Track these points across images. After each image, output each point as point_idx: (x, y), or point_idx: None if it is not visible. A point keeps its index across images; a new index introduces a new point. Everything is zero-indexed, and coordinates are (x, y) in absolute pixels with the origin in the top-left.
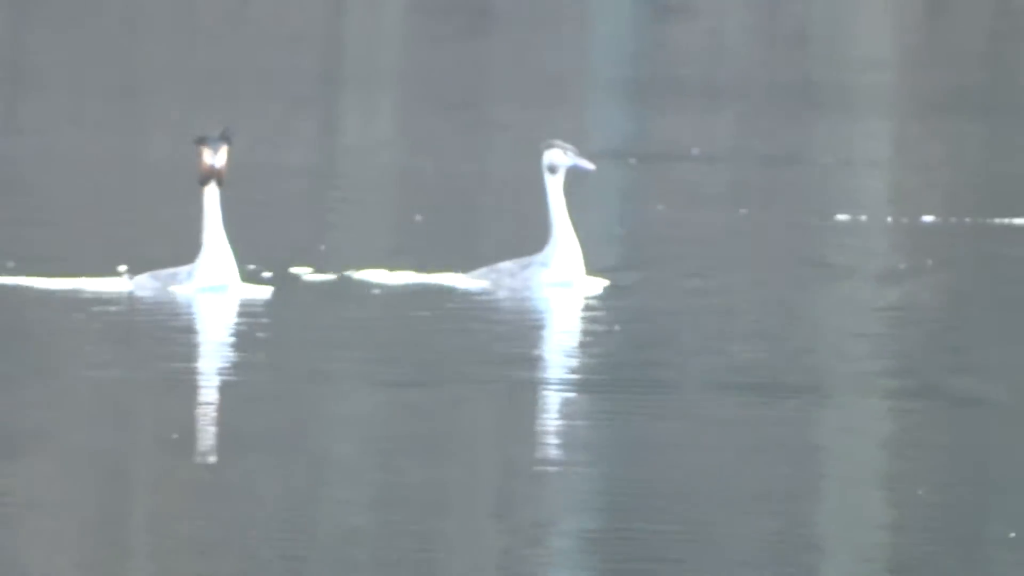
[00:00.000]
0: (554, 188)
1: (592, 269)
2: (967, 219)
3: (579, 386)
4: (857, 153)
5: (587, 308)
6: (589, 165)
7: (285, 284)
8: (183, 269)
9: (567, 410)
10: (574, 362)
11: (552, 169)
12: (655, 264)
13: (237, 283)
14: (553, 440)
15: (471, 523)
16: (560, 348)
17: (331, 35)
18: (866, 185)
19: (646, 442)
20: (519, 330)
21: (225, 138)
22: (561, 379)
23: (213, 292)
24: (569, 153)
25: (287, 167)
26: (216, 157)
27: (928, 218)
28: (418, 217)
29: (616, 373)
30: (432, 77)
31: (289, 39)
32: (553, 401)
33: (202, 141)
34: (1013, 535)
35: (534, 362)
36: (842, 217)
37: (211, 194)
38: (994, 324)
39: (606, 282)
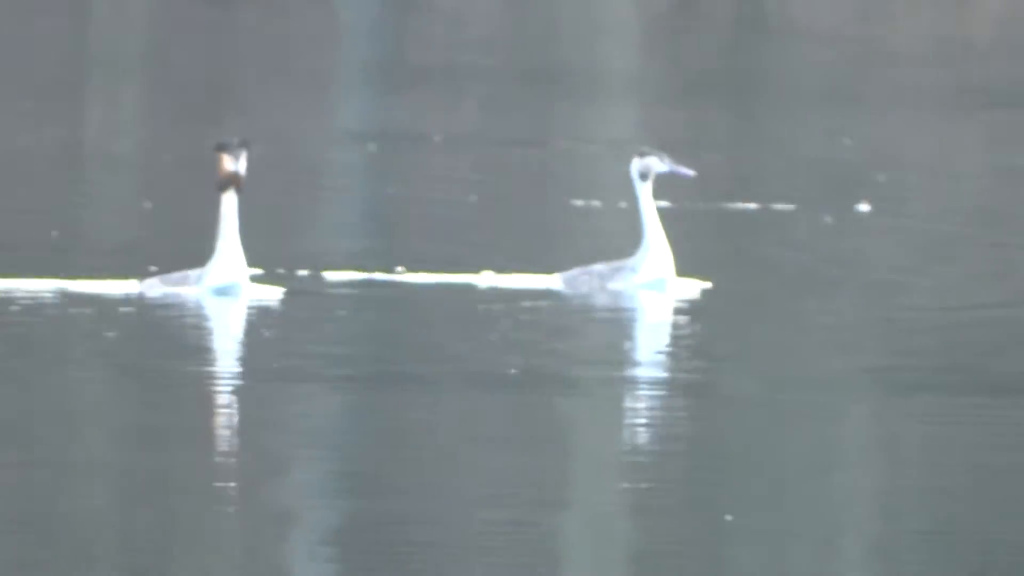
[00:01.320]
0: (645, 194)
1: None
2: (701, 204)
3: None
4: (600, 138)
5: (673, 311)
6: (688, 171)
7: (293, 284)
8: (193, 272)
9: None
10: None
11: (644, 175)
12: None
13: (248, 284)
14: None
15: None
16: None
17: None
18: (608, 170)
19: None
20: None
21: (245, 144)
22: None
23: (225, 293)
24: (665, 160)
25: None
26: (237, 164)
27: (663, 203)
28: (147, 204)
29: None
30: (177, 62)
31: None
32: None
33: (223, 148)
34: (729, 518)
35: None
36: (577, 202)
37: (230, 200)
38: (739, 312)
39: (701, 285)
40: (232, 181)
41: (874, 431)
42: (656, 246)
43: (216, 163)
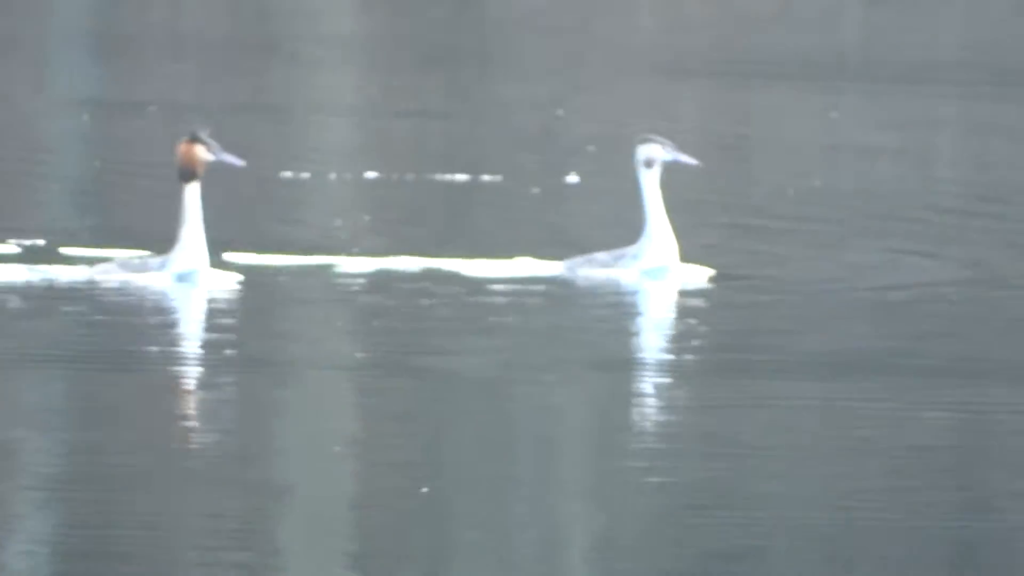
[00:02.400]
0: (649, 182)
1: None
2: (412, 175)
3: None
4: (320, 106)
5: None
6: (691, 160)
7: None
8: (154, 260)
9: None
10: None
11: (648, 163)
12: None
13: (208, 270)
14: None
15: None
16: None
17: None
18: (324, 139)
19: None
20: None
21: (212, 135)
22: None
23: (187, 280)
24: (668, 148)
25: None
26: (210, 153)
27: (371, 174)
28: None
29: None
30: None
31: None
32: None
33: (196, 138)
34: (425, 489)
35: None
36: (287, 174)
37: (193, 190)
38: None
39: (706, 272)
40: (200, 171)
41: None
42: (659, 233)
43: (186, 153)
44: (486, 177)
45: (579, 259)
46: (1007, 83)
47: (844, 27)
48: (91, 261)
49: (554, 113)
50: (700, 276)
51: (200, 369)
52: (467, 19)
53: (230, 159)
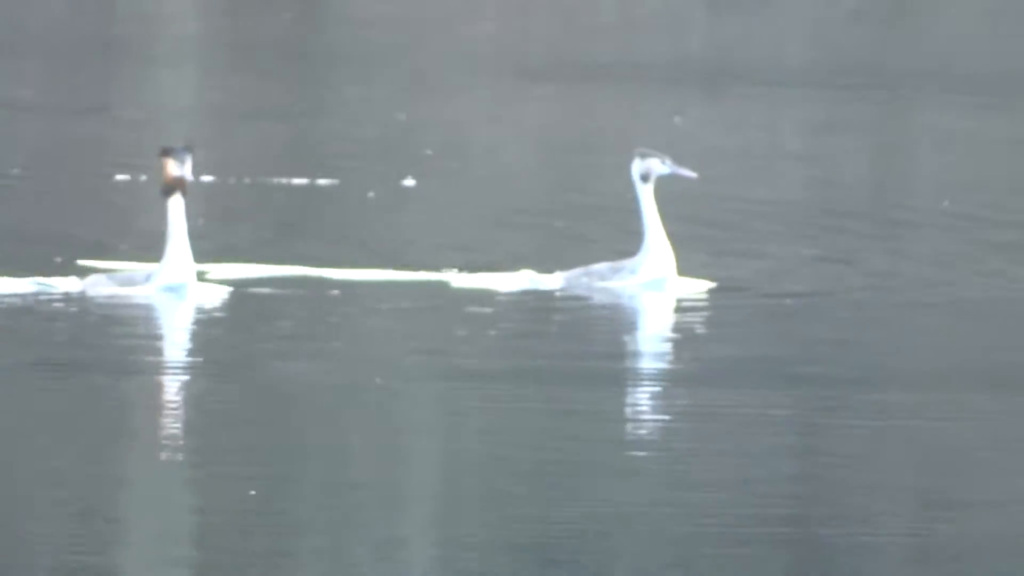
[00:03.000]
0: (646, 196)
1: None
2: (248, 179)
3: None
4: (158, 107)
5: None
6: (690, 173)
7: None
8: (139, 273)
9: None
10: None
11: (645, 177)
12: None
13: (196, 284)
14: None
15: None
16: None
17: None
18: (163, 141)
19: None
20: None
21: (189, 149)
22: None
23: (174, 292)
24: (667, 162)
25: None
26: (183, 168)
27: (208, 177)
28: None
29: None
30: None
31: None
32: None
33: (168, 152)
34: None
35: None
36: (121, 177)
37: (176, 204)
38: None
39: (703, 285)
40: (178, 185)
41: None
42: (657, 247)
43: (161, 168)
44: (323, 181)
45: (578, 271)
46: (848, 87)
47: (689, 33)
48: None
49: (395, 117)
50: (698, 288)
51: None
52: (313, 22)
53: (685, 172)
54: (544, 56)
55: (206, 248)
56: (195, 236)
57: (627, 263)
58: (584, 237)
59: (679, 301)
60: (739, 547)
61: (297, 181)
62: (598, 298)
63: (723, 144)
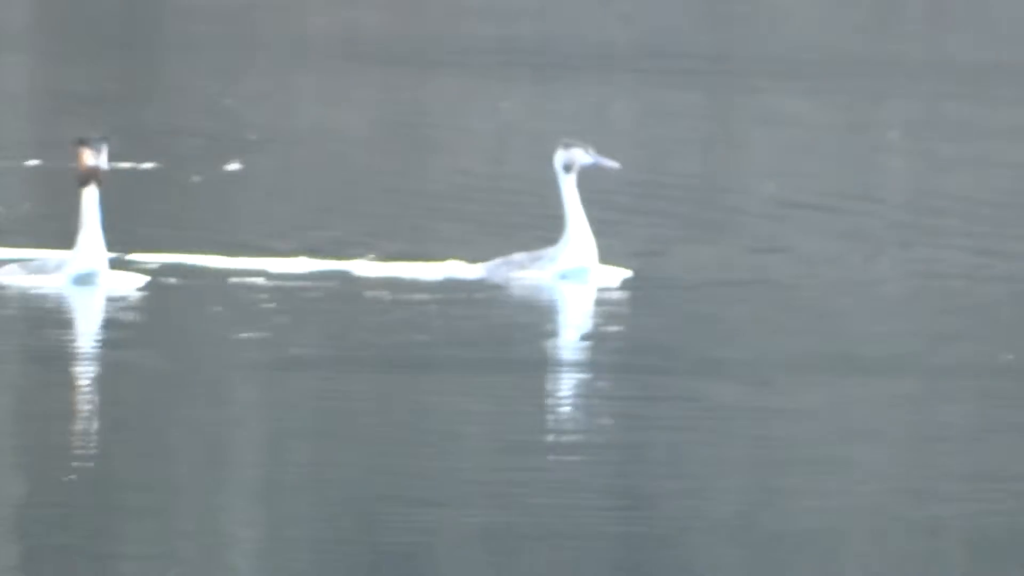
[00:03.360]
0: (568, 186)
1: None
2: (73, 163)
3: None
4: None
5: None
6: (614, 164)
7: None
8: (51, 261)
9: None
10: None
11: (568, 168)
12: None
13: (108, 272)
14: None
15: None
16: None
17: None
18: None
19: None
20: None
21: (105, 139)
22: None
23: (86, 281)
24: (590, 151)
25: None
26: (99, 158)
27: (34, 162)
28: None
29: None
30: None
31: None
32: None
33: (84, 142)
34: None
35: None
36: None
37: (91, 194)
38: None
39: (623, 275)
40: (93, 175)
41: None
42: (578, 237)
43: (77, 158)
44: (148, 165)
45: (498, 261)
46: (676, 71)
47: (519, 18)
48: None
49: (222, 102)
50: (619, 278)
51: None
52: (143, 6)
53: (607, 162)
54: (373, 43)
55: (29, 232)
56: (21, 221)
57: (547, 252)
58: (412, 223)
59: (598, 290)
60: (566, 537)
61: (122, 165)
62: (512, 288)
63: (550, 128)
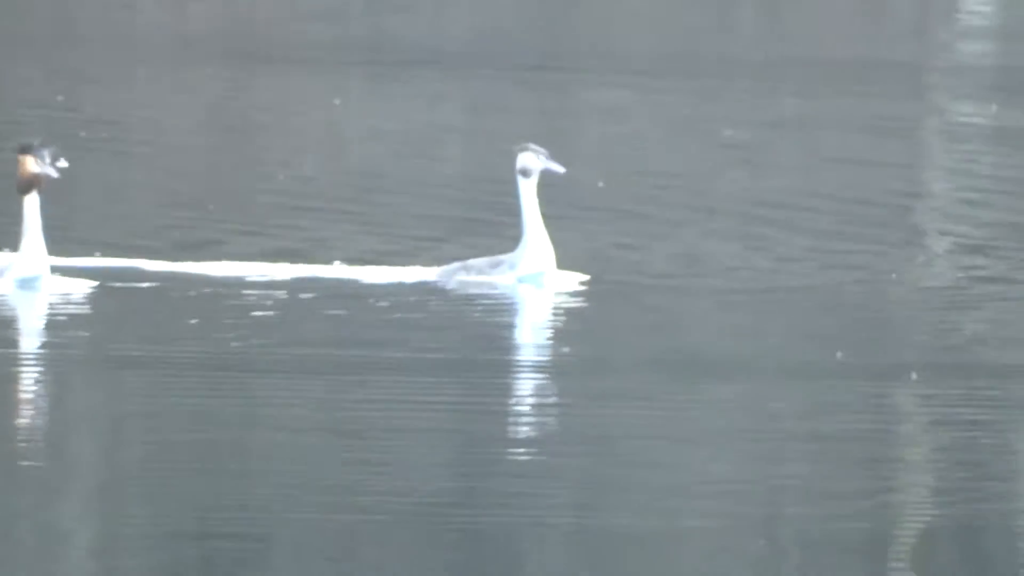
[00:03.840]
0: (527, 191)
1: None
2: None
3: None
4: None
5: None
6: (560, 168)
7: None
8: None
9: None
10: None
11: (525, 172)
12: None
13: (50, 277)
14: None
15: None
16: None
17: None
18: None
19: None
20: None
21: (46, 145)
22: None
23: (29, 285)
24: (542, 157)
25: None
26: (41, 165)
27: None
28: None
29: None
30: None
31: None
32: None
33: (26, 150)
34: None
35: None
36: None
37: (32, 201)
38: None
39: (579, 280)
40: (35, 182)
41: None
42: (536, 242)
43: (18, 165)
44: None
45: (455, 266)
46: (509, 68)
47: (349, 17)
48: None
49: (54, 98)
50: (576, 282)
51: None
52: None
53: (555, 166)
54: (207, 41)
55: None
56: None
57: (506, 258)
58: (243, 220)
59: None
60: (405, 530)
61: None
62: (469, 292)
63: (383, 125)
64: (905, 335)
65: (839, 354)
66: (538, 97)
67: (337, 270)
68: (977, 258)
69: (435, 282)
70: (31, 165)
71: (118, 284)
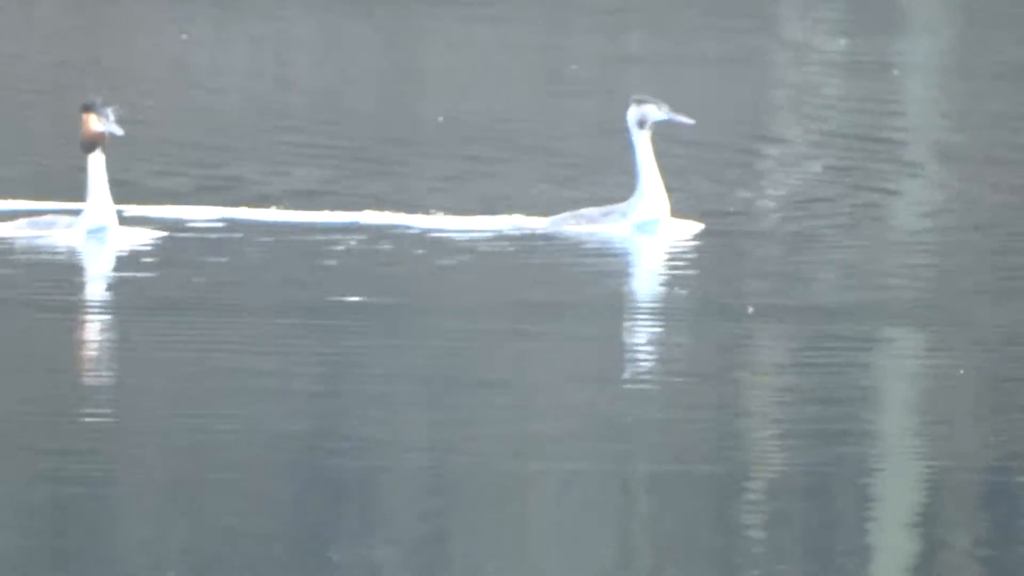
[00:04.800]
0: (642, 142)
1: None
2: None
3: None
4: None
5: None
6: (687, 119)
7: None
8: (62, 217)
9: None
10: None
11: (642, 124)
12: None
13: (117, 228)
14: None
15: None
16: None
17: None
18: None
19: None
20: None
21: (109, 104)
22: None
23: (97, 235)
24: (663, 108)
25: None
26: (104, 123)
27: None
28: None
29: None
30: None
31: None
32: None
33: (89, 108)
34: None
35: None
36: None
37: (97, 160)
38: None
39: (695, 228)
40: (98, 140)
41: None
42: (651, 190)
43: (82, 123)
44: None
45: (566, 215)
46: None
47: None
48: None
49: None
50: (691, 231)
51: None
52: None
53: (681, 118)
54: None
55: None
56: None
57: (619, 206)
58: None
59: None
60: (244, 469)
61: None
62: (582, 241)
63: (232, 61)
64: (742, 278)
65: (750, 310)
66: (386, 27)
67: (438, 220)
68: (820, 205)
69: (545, 231)
70: (94, 123)
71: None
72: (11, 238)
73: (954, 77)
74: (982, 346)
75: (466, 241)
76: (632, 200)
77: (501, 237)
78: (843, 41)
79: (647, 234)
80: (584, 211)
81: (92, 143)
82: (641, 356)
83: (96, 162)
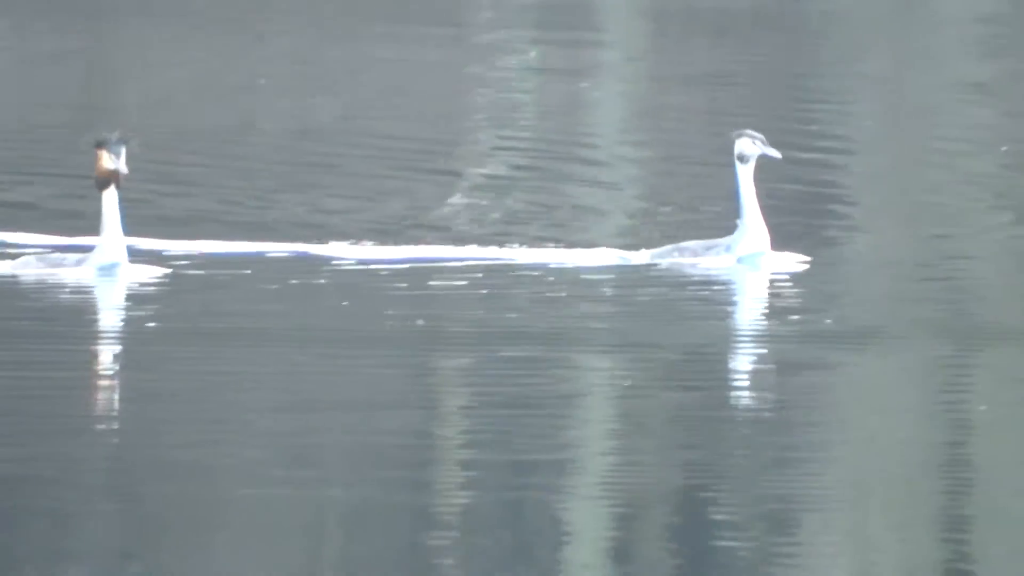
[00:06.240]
0: (744, 176)
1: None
2: None
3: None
4: None
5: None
6: (776, 154)
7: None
8: (70, 255)
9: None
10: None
11: (742, 158)
12: None
13: (128, 265)
14: None
15: None
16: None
17: None
18: None
19: None
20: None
21: (123, 141)
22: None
23: (108, 272)
24: (758, 142)
25: None
26: (117, 161)
27: None
28: None
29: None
30: None
31: None
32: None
33: (102, 144)
34: None
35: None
36: None
37: (110, 197)
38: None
39: (796, 263)
40: (112, 178)
41: None
42: (754, 224)
43: (95, 160)
44: None
45: (668, 248)
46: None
47: None
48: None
49: None
50: (792, 264)
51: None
52: None
53: (772, 152)
54: None
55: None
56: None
57: (721, 241)
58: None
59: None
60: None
61: None
62: (687, 274)
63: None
64: None
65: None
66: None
67: (533, 254)
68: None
69: (648, 264)
70: (106, 161)
71: (199, 271)
72: (20, 275)
73: None
74: None
75: (569, 271)
76: (735, 234)
77: (605, 269)
78: (533, 53)
79: (750, 267)
80: (686, 244)
81: (106, 180)
82: None
83: (109, 198)
